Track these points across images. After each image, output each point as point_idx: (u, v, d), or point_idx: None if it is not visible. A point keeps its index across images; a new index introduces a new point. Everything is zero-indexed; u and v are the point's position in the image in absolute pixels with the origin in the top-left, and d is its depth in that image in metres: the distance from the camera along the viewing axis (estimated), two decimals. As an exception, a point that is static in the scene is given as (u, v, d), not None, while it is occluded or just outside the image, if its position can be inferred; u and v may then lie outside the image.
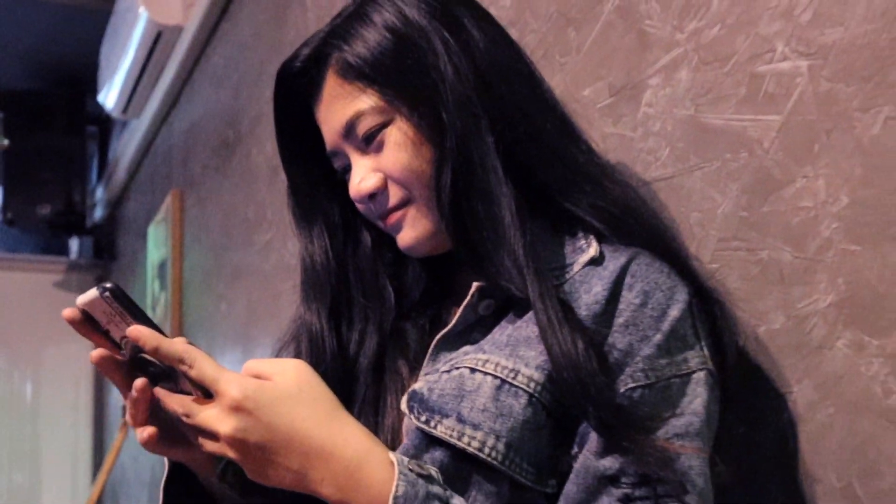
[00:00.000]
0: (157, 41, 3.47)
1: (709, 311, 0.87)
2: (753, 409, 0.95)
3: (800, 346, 0.89)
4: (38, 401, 5.22)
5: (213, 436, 0.77)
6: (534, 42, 1.35)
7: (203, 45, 3.29)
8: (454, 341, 0.90)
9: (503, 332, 0.87)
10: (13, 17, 4.35)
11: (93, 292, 0.79)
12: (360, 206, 0.95)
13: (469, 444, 0.80)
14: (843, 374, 0.85)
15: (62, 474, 5.13)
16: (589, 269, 0.87)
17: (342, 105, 0.92)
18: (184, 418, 0.79)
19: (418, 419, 0.83)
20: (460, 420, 0.81)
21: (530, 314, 0.85)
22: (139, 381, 0.81)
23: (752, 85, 0.97)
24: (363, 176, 0.93)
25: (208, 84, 3.27)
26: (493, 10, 1.02)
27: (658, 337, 0.82)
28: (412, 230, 0.93)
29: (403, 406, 0.85)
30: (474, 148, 0.88)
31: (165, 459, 0.93)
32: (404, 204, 0.93)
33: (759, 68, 0.96)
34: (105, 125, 5.46)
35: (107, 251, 5.24)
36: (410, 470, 0.76)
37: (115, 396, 4.78)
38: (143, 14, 3.35)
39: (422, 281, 1.02)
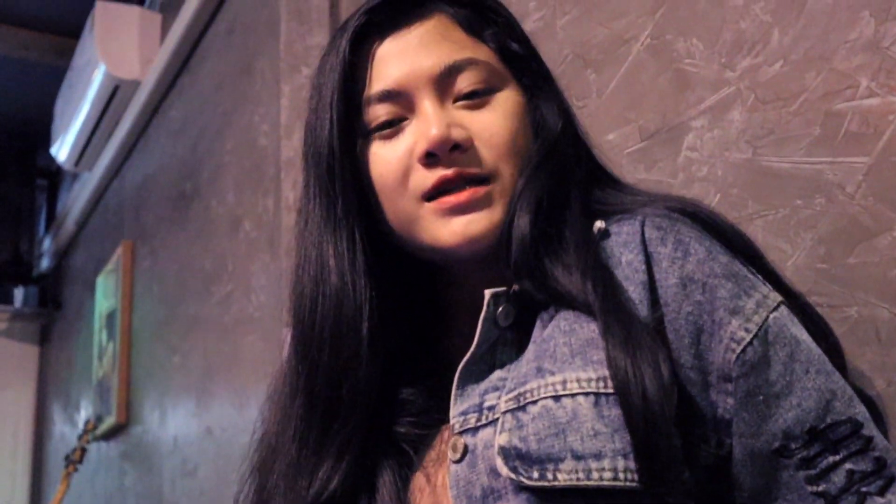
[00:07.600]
0: (114, 95, 3.29)
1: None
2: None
3: (907, 416, 0.72)
4: (-24, 448, 4.92)
5: None
6: (544, 86, 1.18)
7: (160, 100, 3.10)
8: (479, 367, 0.69)
9: (554, 343, 0.65)
10: (-33, 72, 4.16)
11: None
12: (427, 162, 0.70)
13: (602, 479, 0.59)
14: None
15: (-3, 523, 4.83)
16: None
17: (448, 47, 0.72)
18: None
19: (530, 477, 0.61)
20: (577, 457, 0.60)
21: (573, 314, 0.65)
22: None
23: (828, 125, 0.80)
24: (449, 123, 0.70)
25: (164, 137, 3.05)
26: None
27: (729, 285, 0.64)
28: (488, 215, 0.70)
29: (504, 471, 0.62)
30: (571, 155, 0.74)
31: None
32: (485, 179, 0.70)
33: (837, 106, 0.80)
34: (54, 178, 5.24)
35: (52, 300, 4.92)
36: None
37: (56, 445, 4.46)
38: (101, 68, 3.16)
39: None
